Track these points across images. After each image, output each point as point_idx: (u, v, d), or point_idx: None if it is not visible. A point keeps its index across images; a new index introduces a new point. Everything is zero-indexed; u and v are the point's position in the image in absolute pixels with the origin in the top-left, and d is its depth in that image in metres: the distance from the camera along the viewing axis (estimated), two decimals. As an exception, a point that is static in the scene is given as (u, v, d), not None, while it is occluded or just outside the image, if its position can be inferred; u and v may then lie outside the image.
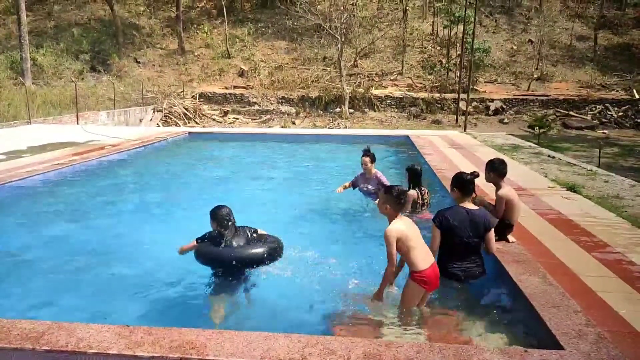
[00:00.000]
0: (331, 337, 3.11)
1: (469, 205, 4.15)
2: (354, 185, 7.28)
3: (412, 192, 6.27)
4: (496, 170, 4.89)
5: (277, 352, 2.81)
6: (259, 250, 4.31)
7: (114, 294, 4.42)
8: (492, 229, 4.18)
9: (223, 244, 4.29)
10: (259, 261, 4.31)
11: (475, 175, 4.24)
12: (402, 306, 3.78)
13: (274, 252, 4.40)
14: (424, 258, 3.67)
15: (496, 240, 4.74)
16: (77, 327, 3.06)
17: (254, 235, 4.56)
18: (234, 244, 4.33)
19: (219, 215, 4.43)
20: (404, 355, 2.81)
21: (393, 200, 3.70)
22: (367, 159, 6.98)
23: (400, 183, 6.26)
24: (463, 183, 4.16)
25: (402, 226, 3.67)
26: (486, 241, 4.16)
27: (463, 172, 4.30)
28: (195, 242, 4.44)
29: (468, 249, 4.07)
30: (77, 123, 19.74)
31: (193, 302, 4.30)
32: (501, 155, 11.10)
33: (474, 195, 4.34)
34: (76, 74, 30.33)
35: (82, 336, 2.95)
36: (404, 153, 12.78)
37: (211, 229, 4.45)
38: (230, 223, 4.43)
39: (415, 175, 6.41)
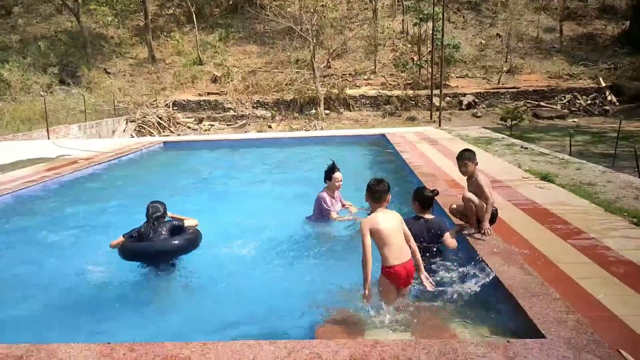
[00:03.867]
0: (316, 340, 3.10)
1: (426, 215, 4.77)
2: (324, 213, 6.12)
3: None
4: (467, 157, 5.00)
5: (263, 360, 2.79)
6: (174, 242, 4.97)
7: (93, 311, 4.33)
8: (447, 233, 4.75)
9: (139, 236, 4.98)
10: (173, 252, 5.00)
11: (435, 193, 4.83)
12: (380, 299, 3.83)
13: (188, 243, 5.06)
14: (396, 255, 3.72)
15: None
16: (58, 347, 2.99)
17: (173, 224, 5.18)
18: (154, 235, 4.94)
19: (146, 208, 5.16)
20: (390, 354, 2.83)
21: (369, 192, 3.96)
22: (341, 175, 6.16)
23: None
24: (424, 199, 4.77)
25: (378, 219, 3.79)
26: (445, 242, 4.72)
27: (425, 189, 4.93)
28: (122, 238, 5.02)
29: (428, 250, 4.62)
30: (48, 138, 19.32)
31: (174, 314, 4.24)
32: (475, 148, 11.28)
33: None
34: (45, 87, 29.71)
35: (62, 357, 2.89)
36: (381, 152, 12.87)
37: None
38: (151, 216, 5.09)
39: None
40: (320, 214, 6.12)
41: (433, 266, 4.48)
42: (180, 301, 4.47)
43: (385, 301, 3.80)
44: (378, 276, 3.86)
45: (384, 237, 3.72)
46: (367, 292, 3.68)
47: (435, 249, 4.70)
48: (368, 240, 3.70)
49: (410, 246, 3.90)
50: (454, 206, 5.37)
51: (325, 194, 6.12)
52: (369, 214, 3.98)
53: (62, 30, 36.63)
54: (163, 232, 5.05)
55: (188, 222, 5.38)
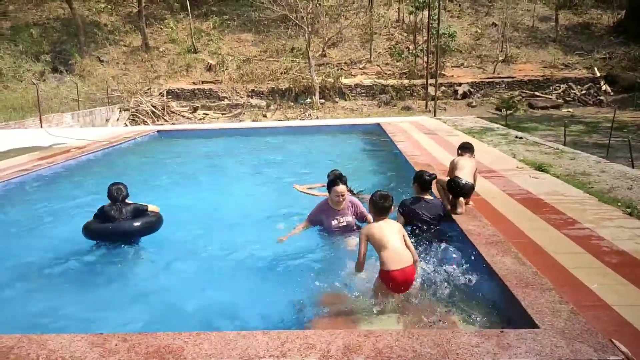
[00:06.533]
0: (310, 331, 3.10)
1: (426, 196, 5.15)
2: (315, 224, 5.46)
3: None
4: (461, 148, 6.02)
5: (256, 350, 2.78)
6: (133, 224, 5.24)
7: (86, 302, 4.30)
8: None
9: (103, 217, 5.24)
10: (133, 234, 5.27)
11: (433, 176, 5.20)
12: (375, 301, 3.84)
13: (148, 226, 5.33)
14: (394, 260, 3.72)
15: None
16: (48, 338, 2.97)
17: (137, 206, 5.39)
18: (117, 216, 5.21)
19: (108, 190, 5.40)
20: (384, 343, 2.82)
21: (373, 206, 4.08)
22: (345, 189, 5.29)
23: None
24: (423, 182, 5.14)
25: (375, 228, 3.91)
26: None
27: (424, 172, 5.24)
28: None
29: (429, 226, 4.97)
30: (41, 126, 19.13)
31: (167, 304, 4.22)
32: (470, 138, 11.27)
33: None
34: (37, 75, 29.37)
35: (53, 348, 2.86)
36: (376, 141, 12.83)
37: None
38: (117, 198, 5.32)
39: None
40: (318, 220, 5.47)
41: (432, 250, 4.55)
42: (171, 291, 4.43)
43: (379, 303, 3.80)
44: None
45: (381, 242, 3.81)
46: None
47: (436, 228, 5.02)
48: (364, 248, 3.90)
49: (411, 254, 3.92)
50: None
51: (322, 203, 5.48)
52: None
53: (54, 17, 36.14)
54: (127, 214, 5.30)
55: (152, 208, 5.60)
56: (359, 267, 3.98)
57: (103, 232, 5.27)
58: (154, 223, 5.44)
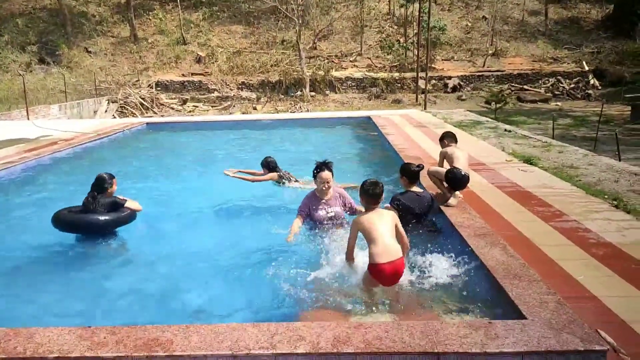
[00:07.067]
0: (300, 323, 3.09)
1: (416, 189, 5.07)
2: (306, 216, 5.25)
3: (274, 174, 7.11)
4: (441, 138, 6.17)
5: (246, 343, 2.77)
6: (95, 218, 5.14)
7: (73, 295, 4.27)
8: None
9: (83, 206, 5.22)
10: (92, 227, 5.19)
11: (421, 167, 5.05)
12: (363, 295, 3.87)
13: (110, 222, 5.24)
14: (382, 253, 3.70)
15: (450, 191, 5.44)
16: (36, 332, 2.94)
17: (115, 200, 5.30)
18: (91, 207, 5.17)
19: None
20: (373, 335, 2.83)
21: (364, 194, 4.04)
22: (330, 175, 5.16)
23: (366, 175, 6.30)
24: (411, 174, 5.03)
25: (366, 218, 3.89)
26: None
27: (410, 164, 5.14)
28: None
29: (420, 219, 4.99)
30: (28, 118, 18.90)
31: (156, 297, 4.20)
32: (460, 131, 11.32)
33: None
34: (23, 66, 28.96)
35: (40, 341, 2.84)
36: (366, 134, 12.84)
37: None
38: (96, 189, 5.28)
39: (269, 166, 7.19)
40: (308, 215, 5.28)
41: (421, 242, 4.56)
42: (159, 284, 4.41)
43: (369, 295, 3.82)
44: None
45: (369, 234, 3.78)
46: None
47: (427, 219, 5.06)
48: (353, 237, 3.94)
49: (403, 243, 3.94)
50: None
51: (309, 194, 5.32)
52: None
53: (41, 7, 35.60)
54: (101, 207, 5.22)
55: (131, 204, 5.45)
56: (348, 255, 4.02)
57: (67, 223, 5.21)
58: (124, 219, 5.34)
